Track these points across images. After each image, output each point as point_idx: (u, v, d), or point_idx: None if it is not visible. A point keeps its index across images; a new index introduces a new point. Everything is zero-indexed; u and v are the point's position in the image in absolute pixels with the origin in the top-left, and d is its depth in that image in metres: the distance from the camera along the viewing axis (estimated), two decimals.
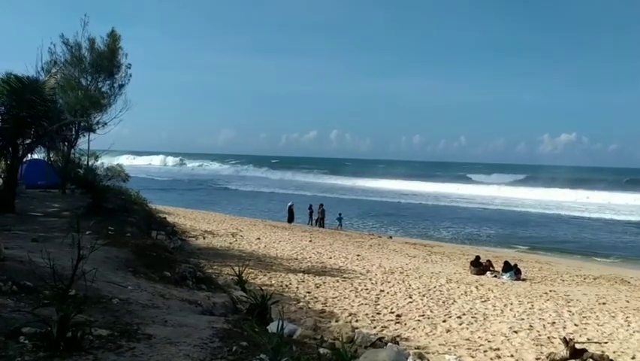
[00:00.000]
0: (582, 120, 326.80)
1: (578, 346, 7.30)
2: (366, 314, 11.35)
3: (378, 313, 11.54)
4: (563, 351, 6.97)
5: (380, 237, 28.87)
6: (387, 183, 77.52)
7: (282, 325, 4.77)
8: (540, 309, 13.14)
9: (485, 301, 13.71)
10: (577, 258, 26.16)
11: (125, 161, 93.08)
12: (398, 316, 11.41)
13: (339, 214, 33.75)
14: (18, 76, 12.73)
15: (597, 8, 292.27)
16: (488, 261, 20.24)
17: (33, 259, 6.68)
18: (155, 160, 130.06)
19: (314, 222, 34.01)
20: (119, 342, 4.70)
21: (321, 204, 34.98)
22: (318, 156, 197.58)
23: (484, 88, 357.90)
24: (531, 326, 11.27)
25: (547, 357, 7.25)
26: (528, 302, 13.93)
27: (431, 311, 12.04)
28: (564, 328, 11.32)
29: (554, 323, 11.74)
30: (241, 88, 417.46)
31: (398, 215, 42.54)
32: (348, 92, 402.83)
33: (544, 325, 11.45)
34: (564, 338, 7.26)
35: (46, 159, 21.68)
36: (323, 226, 32.98)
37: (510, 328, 10.90)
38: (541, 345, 9.79)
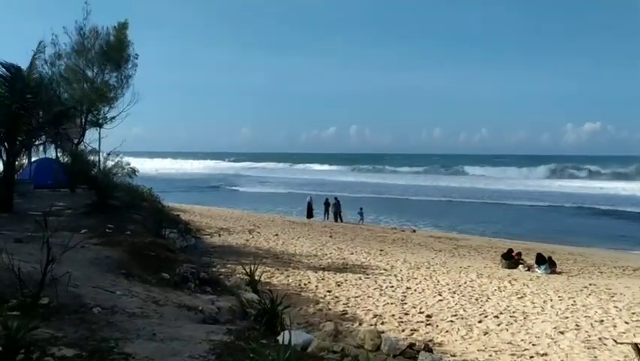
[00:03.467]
0: (606, 109, 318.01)
1: None
2: (393, 315, 10.28)
3: (406, 314, 10.45)
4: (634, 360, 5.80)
5: (403, 231, 27.75)
6: (407, 179, 75.86)
7: (290, 338, 3.71)
8: (584, 305, 11.94)
9: (522, 297, 12.54)
10: (611, 249, 24.80)
11: (142, 163, 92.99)
12: (428, 316, 10.31)
13: (360, 208, 32.72)
14: (4, 63, 11.81)
15: None
16: (519, 253, 19.03)
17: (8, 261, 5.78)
18: (172, 162, 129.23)
19: (330, 216, 33.00)
20: None
21: (336, 198, 34.03)
22: (337, 152, 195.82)
23: (502, 78, 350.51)
24: (577, 325, 10.09)
25: None
26: (569, 298, 12.75)
27: (464, 310, 10.92)
28: (614, 327, 10.14)
29: (602, 320, 10.55)
30: (259, 86, 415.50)
31: (420, 210, 41.37)
32: (367, 88, 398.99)
33: (591, 323, 10.26)
34: (636, 344, 6.09)
35: (55, 157, 20.98)
36: (341, 221, 31.95)
37: (555, 328, 9.75)
38: (594, 348, 8.65)
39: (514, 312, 10.91)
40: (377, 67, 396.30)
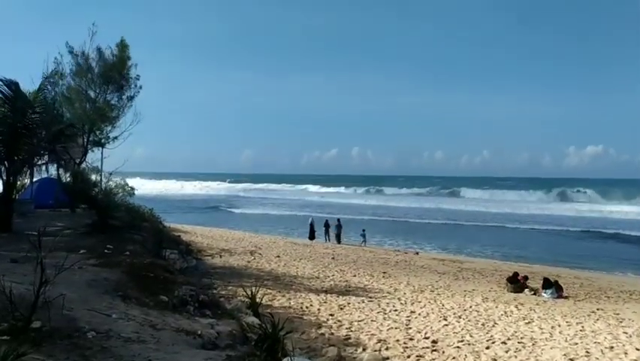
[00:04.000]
0: (608, 132, 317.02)
1: None
2: (398, 340, 9.99)
3: (411, 339, 10.16)
4: None
5: (406, 253, 27.47)
6: (409, 201, 75.71)
7: None
8: (592, 331, 11.66)
9: (529, 322, 12.24)
10: (617, 273, 24.53)
11: (145, 184, 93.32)
12: (434, 342, 10.01)
13: (363, 230, 32.50)
14: (4, 80, 11.66)
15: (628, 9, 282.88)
16: (525, 277, 18.74)
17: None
18: (175, 183, 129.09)
19: (330, 237, 32.87)
20: None
21: (338, 219, 33.93)
22: (339, 174, 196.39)
23: (505, 100, 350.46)
24: (587, 351, 9.80)
25: None
26: (577, 323, 12.47)
27: (471, 336, 10.62)
28: (625, 353, 9.83)
29: (612, 347, 10.25)
30: (263, 107, 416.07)
31: (423, 232, 41.13)
32: (369, 110, 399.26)
33: (602, 350, 9.97)
34: None
35: (55, 176, 20.87)
36: (340, 242, 31.75)
37: (564, 355, 9.45)
38: None
39: (522, 338, 10.61)
40: (378, 89, 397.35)
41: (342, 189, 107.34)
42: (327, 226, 33.68)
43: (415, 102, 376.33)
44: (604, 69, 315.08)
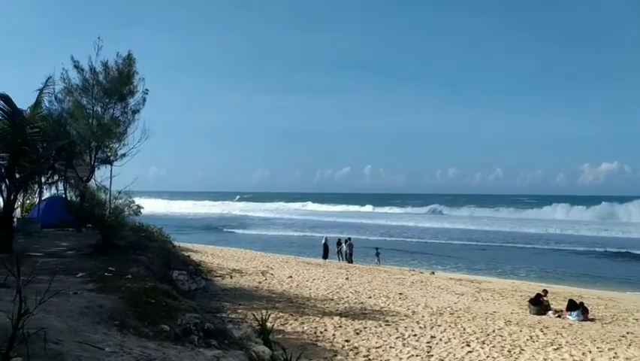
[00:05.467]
0: (623, 148, 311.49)
1: None
2: None
3: None
4: None
5: (422, 273, 26.64)
6: (423, 220, 74.76)
7: None
8: (626, 358, 10.94)
9: (558, 348, 11.50)
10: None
11: (158, 203, 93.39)
12: None
13: (377, 249, 31.78)
14: (4, 96, 11.19)
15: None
16: (545, 291, 17.99)
17: None
18: (188, 202, 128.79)
19: (343, 256, 32.26)
20: None
21: (348, 239, 33.38)
22: (352, 192, 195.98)
23: (517, 117, 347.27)
24: None
25: None
26: (609, 349, 11.72)
27: None
28: None
29: None
30: (274, 126, 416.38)
31: (436, 251, 40.30)
32: (381, 128, 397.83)
33: None
34: None
35: (63, 195, 20.48)
36: (351, 262, 31.08)
37: None
38: None
39: None
40: (391, 107, 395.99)
41: (354, 208, 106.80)
42: (339, 245, 33.15)
43: (426, 120, 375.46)
44: (617, 84, 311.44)
